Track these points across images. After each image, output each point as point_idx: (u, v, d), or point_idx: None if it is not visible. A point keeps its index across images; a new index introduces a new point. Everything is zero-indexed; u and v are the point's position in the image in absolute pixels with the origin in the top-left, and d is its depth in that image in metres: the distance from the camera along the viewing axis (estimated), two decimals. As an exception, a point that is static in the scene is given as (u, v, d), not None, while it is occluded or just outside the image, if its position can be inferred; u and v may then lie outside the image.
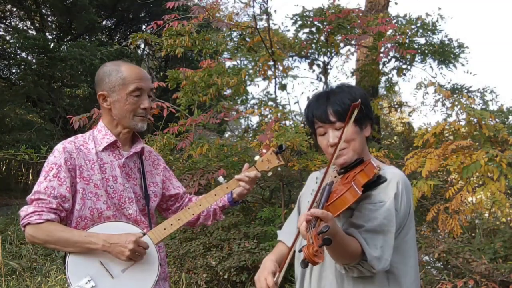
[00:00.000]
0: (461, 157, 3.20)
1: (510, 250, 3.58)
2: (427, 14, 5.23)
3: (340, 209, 1.29)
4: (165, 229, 1.81)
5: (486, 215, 4.75)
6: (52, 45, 11.56)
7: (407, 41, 4.92)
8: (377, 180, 1.42)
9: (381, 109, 5.76)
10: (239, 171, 1.98)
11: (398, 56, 5.30)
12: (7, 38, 12.62)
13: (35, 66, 11.47)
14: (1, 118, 11.51)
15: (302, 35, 5.29)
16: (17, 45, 11.41)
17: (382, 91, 6.85)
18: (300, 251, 1.16)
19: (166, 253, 5.08)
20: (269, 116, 4.65)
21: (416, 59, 5.47)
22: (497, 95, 5.30)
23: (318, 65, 5.62)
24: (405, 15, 5.33)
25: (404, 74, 5.64)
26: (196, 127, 4.84)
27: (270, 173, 1.94)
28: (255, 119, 7.51)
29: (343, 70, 12.88)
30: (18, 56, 11.78)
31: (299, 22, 5.20)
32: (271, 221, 4.69)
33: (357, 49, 5.62)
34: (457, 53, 5.36)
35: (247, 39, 5.31)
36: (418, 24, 5.20)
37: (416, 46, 5.27)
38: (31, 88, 11.19)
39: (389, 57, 5.43)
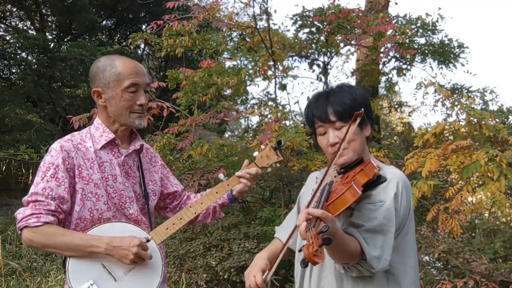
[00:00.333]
0: (461, 157, 3.20)
1: (510, 250, 3.58)
2: (427, 14, 5.24)
3: (340, 209, 1.29)
4: (167, 228, 1.77)
5: (486, 215, 4.75)
6: (52, 45, 11.57)
7: (407, 41, 4.92)
8: (377, 180, 1.42)
9: (381, 109, 5.76)
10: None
11: (398, 56, 5.30)
12: (7, 38, 12.62)
13: (35, 66, 11.47)
14: (1, 118, 11.51)
15: (302, 35, 5.30)
16: (17, 45, 11.41)
17: (382, 91, 6.85)
18: (300, 251, 1.16)
19: (166, 253, 5.09)
20: (269, 116, 4.65)
21: (416, 59, 5.47)
22: (497, 95, 5.31)
23: (318, 65, 5.62)
24: (405, 15, 5.33)
25: (404, 74, 5.64)
26: (196, 127, 4.84)
27: (269, 169, 1.92)
28: (255, 119, 7.52)
29: (343, 70, 12.88)
30: (18, 56, 11.77)
31: (299, 22, 5.20)
32: (271, 221, 4.69)
33: (357, 49, 5.62)
34: (457, 53, 5.36)
35: (247, 39, 5.31)
36: (418, 24, 5.20)
37: (416, 46, 5.27)
38: (31, 88, 11.19)
39: (389, 57, 5.44)
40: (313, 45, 5.32)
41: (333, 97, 1.52)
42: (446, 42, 5.37)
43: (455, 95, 4.43)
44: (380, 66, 5.68)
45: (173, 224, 1.78)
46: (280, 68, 5.00)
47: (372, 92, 6.00)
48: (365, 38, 4.84)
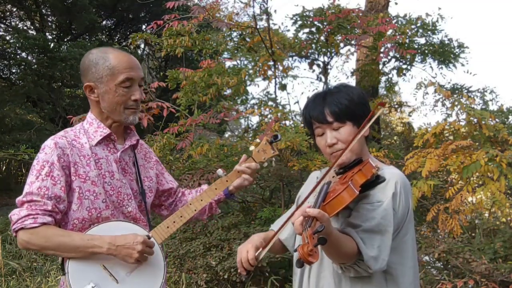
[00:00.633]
0: (461, 157, 3.20)
1: (510, 250, 3.57)
2: (427, 14, 5.24)
3: (337, 209, 1.29)
4: (168, 227, 1.72)
5: (486, 215, 4.75)
6: (52, 45, 11.57)
7: (407, 41, 4.92)
8: (376, 180, 1.41)
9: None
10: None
11: (398, 56, 5.30)
12: (7, 38, 12.63)
13: (35, 66, 11.48)
14: (1, 118, 11.51)
15: (302, 35, 5.30)
16: (17, 45, 11.42)
17: (382, 91, 6.85)
18: (295, 251, 1.16)
19: (167, 253, 5.08)
20: (269, 116, 4.65)
21: (416, 59, 5.47)
22: (497, 95, 5.31)
23: (318, 65, 5.62)
24: (405, 15, 5.34)
25: (404, 74, 5.64)
26: (196, 127, 4.84)
27: (265, 164, 1.88)
28: (255, 119, 7.51)
29: (343, 70, 12.89)
30: (18, 56, 11.78)
31: (299, 22, 5.21)
32: (271, 221, 4.68)
33: (357, 49, 5.62)
34: (457, 53, 5.36)
35: (247, 39, 5.31)
36: (418, 24, 5.20)
37: (416, 46, 5.27)
38: (31, 88, 11.20)
39: (389, 57, 5.44)
40: (313, 45, 5.32)
41: (330, 97, 1.52)
42: (446, 42, 5.37)
43: (455, 95, 4.43)
44: (380, 66, 5.68)
45: (174, 222, 1.73)
46: (280, 68, 5.01)
47: (372, 92, 6.00)
48: (365, 38, 4.84)
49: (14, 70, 12.59)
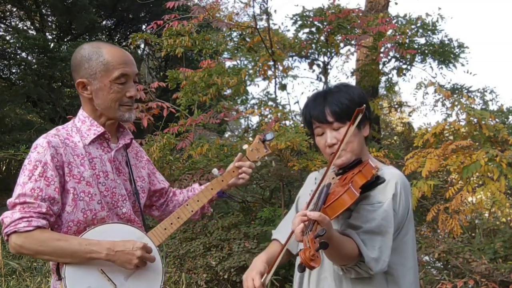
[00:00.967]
0: (461, 157, 3.20)
1: (510, 250, 3.58)
2: (427, 14, 5.23)
3: (338, 211, 1.28)
4: (165, 229, 1.69)
5: (486, 215, 4.75)
6: (52, 45, 11.57)
7: (407, 41, 4.91)
8: (376, 181, 1.41)
9: (381, 109, 5.76)
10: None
11: (398, 56, 5.30)
12: (7, 38, 12.62)
13: (35, 66, 11.47)
14: (1, 118, 11.50)
15: (302, 35, 5.29)
16: (17, 45, 11.41)
17: (382, 91, 6.85)
18: (296, 255, 1.16)
19: (167, 253, 5.08)
20: (269, 116, 4.65)
21: (416, 59, 5.47)
22: (497, 95, 5.29)
23: (318, 65, 5.62)
24: (405, 15, 5.33)
25: (404, 74, 5.64)
26: (196, 127, 4.84)
27: (259, 163, 1.87)
28: (255, 119, 7.51)
29: (343, 70, 12.84)
30: (18, 56, 11.77)
31: (299, 22, 5.20)
32: (271, 221, 4.69)
33: (357, 49, 5.62)
34: (457, 53, 5.36)
35: (247, 39, 5.31)
36: (418, 24, 5.20)
37: (416, 46, 5.26)
38: (31, 88, 11.19)
39: (389, 57, 5.43)
40: (313, 45, 5.32)
41: (331, 97, 1.51)
42: (446, 42, 5.36)
43: (455, 95, 4.43)
44: (380, 66, 5.68)
45: (171, 224, 1.70)
46: (280, 68, 5.01)
47: (372, 92, 5.99)
48: (365, 38, 4.84)
49: (14, 70, 12.58)
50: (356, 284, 1.44)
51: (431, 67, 5.53)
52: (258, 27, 4.78)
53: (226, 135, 9.47)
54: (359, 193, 1.31)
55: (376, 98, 5.58)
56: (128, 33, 14.53)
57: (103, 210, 1.59)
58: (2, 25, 13.41)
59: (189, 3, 5.96)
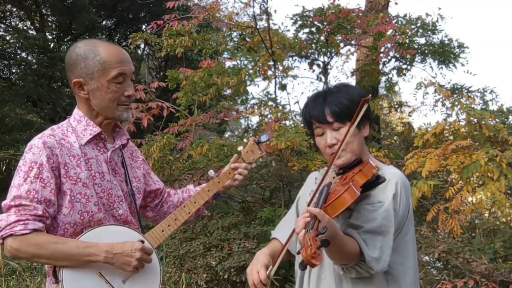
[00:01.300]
0: (461, 157, 3.20)
1: (510, 250, 3.58)
2: (427, 14, 5.24)
3: (338, 210, 1.28)
4: (163, 231, 1.67)
5: (486, 215, 4.75)
6: (52, 45, 11.57)
7: (407, 41, 4.92)
8: (376, 180, 1.41)
9: (381, 109, 5.76)
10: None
11: (398, 56, 5.30)
12: (7, 38, 12.61)
13: (35, 66, 11.47)
14: (1, 118, 11.50)
15: (302, 35, 5.30)
16: (17, 45, 11.40)
17: (382, 91, 6.85)
18: (298, 253, 1.16)
19: (167, 253, 5.07)
20: (269, 116, 4.65)
21: (416, 59, 5.47)
22: (497, 95, 5.30)
23: (318, 65, 5.62)
24: (405, 15, 5.33)
25: (404, 74, 5.64)
26: (196, 127, 4.84)
27: (254, 165, 1.86)
28: (255, 119, 7.51)
29: (343, 70, 12.83)
30: (18, 56, 11.77)
31: (299, 22, 5.20)
32: (271, 221, 4.69)
33: (357, 49, 5.62)
34: (457, 53, 5.36)
35: (247, 39, 5.31)
36: (418, 24, 5.20)
37: (416, 46, 5.26)
38: (31, 88, 11.18)
39: (389, 57, 5.43)
40: (313, 45, 5.32)
41: (331, 97, 1.51)
42: (446, 42, 5.36)
43: (455, 95, 4.43)
44: (380, 66, 5.68)
45: (169, 225, 1.69)
46: (280, 68, 5.01)
47: (372, 92, 5.99)
48: (365, 38, 4.84)
49: (14, 70, 12.58)
50: (356, 284, 1.45)
51: (431, 67, 5.54)
52: (258, 27, 4.79)
53: (226, 135, 9.47)
54: (360, 192, 1.31)
55: (376, 98, 5.58)
56: (128, 33, 14.53)
57: (99, 212, 1.56)
58: (2, 25, 13.42)
59: (189, 3, 5.96)
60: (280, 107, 4.90)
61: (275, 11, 12.61)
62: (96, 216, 1.55)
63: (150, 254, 1.56)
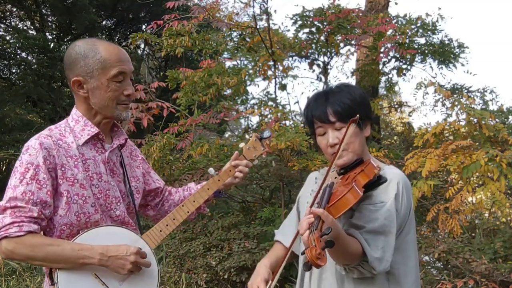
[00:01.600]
0: (461, 157, 3.20)
1: (510, 250, 3.58)
2: (427, 14, 5.23)
3: (342, 211, 1.28)
4: (161, 231, 1.65)
5: (486, 215, 4.75)
6: (52, 45, 11.57)
7: (407, 41, 4.92)
8: (378, 181, 1.41)
9: (381, 109, 5.76)
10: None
11: (398, 56, 5.30)
12: (7, 38, 12.61)
13: (35, 66, 11.47)
14: (1, 118, 11.49)
15: (302, 35, 5.30)
16: (17, 45, 11.40)
17: (382, 91, 6.85)
18: (302, 253, 1.16)
19: (167, 253, 5.06)
20: (269, 116, 4.65)
21: (416, 59, 5.47)
22: (497, 95, 5.29)
23: (318, 65, 5.62)
24: (405, 15, 5.33)
25: (404, 74, 5.64)
26: (196, 127, 4.84)
27: (256, 162, 1.85)
28: (255, 119, 7.51)
29: (343, 70, 12.82)
30: (18, 56, 11.77)
31: (299, 22, 5.20)
32: (271, 221, 4.69)
33: (357, 49, 5.62)
34: (457, 53, 5.36)
35: (247, 39, 5.31)
36: (418, 24, 5.20)
37: (416, 46, 5.26)
38: (31, 88, 11.18)
39: (389, 57, 5.43)
40: (313, 45, 5.32)
41: (333, 97, 1.51)
42: (446, 42, 5.36)
43: (455, 95, 4.43)
44: (380, 66, 5.68)
45: (167, 225, 1.67)
46: (280, 68, 5.01)
47: (372, 92, 5.99)
48: (365, 38, 4.84)
49: (14, 70, 12.58)
50: (358, 284, 1.45)
51: (431, 67, 5.54)
52: (258, 27, 4.79)
53: (226, 135, 9.47)
54: (362, 192, 1.31)
55: (376, 98, 5.58)
56: (128, 33, 14.53)
57: (96, 213, 1.55)
58: (2, 25, 13.41)
59: (189, 3, 5.96)
60: (280, 107, 4.90)
61: (275, 11, 12.60)
62: (93, 217, 1.54)
63: (145, 258, 1.54)
